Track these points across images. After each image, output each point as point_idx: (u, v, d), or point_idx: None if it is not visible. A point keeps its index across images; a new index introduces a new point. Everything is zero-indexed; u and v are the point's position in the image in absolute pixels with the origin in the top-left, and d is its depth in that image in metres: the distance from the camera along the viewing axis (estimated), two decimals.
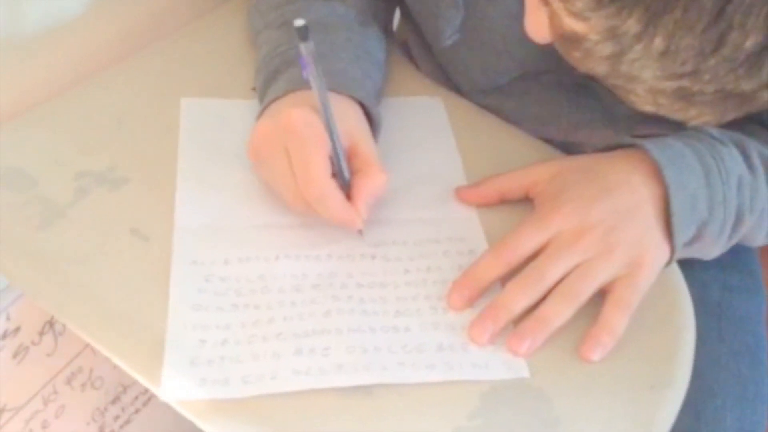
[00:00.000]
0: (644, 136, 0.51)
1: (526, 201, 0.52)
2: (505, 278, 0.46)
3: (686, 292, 0.49)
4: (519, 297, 0.45)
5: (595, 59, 0.33)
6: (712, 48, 0.30)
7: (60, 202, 0.49)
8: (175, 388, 0.41)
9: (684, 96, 0.33)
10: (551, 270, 0.46)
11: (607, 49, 0.32)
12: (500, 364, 0.44)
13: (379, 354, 0.43)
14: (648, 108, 0.35)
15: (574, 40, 0.33)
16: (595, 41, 0.32)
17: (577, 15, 0.32)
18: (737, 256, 0.61)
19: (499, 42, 0.57)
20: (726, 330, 0.61)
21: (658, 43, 0.31)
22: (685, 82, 0.32)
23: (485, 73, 0.60)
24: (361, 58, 0.54)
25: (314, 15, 0.55)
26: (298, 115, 0.45)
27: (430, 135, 0.58)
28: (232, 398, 0.40)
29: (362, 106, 0.51)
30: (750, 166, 0.51)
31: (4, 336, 0.66)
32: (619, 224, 0.47)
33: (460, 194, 0.53)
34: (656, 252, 0.48)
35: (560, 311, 0.45)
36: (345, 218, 0.46)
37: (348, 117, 0.48)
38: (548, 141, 0.59)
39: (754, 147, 0.52)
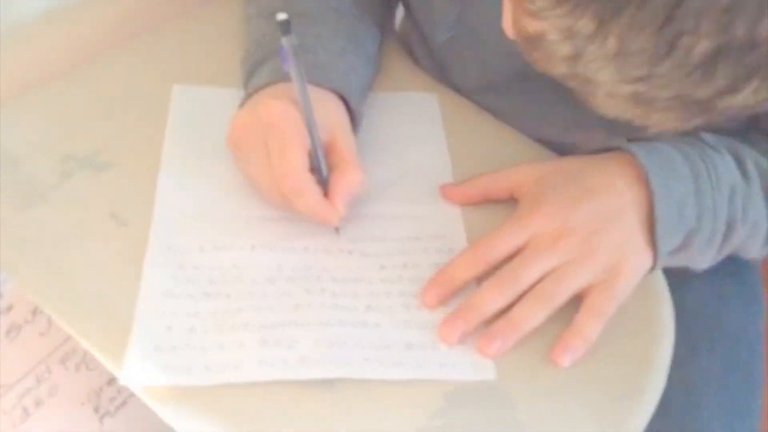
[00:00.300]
0: (641, 140, 0.50)
1: (511, 202, 0.51)
2: (482, 278, 0.46)
3: (668, 300, 0.48)
4: (492, 298, 0.45)
5: (554, 60, 0.33)
6: (664, 52, 0.29)
7: (43, 185, 0.49)
8: (137, 372, 0.41)
9: (642, 101, 0.32)
10: (526, 272, 0.45)
11: (564, 49, 0.32)
12: (467, 365, 0.43)
13: (346, 348, 0.43)
14: (611, 112, 0.34)
15: (534, 40, 0.33)
16: (552, 41, 0.32)
17: (535, 14, 0.32)
18: (735, 266, 0.59)
19: (494, 39, 0.56)
20: (719, 342, 0.60)
21: (611, 44, 0.30)
22: (640, 87, 0.31)
23: (480, 70, 0.59)
24: (348, 51, 0.53)
25: (304, 5, 0.54)
26: (277, 107, 0.45)
27: (421, 131, 0.57)
28: (194, 386, 0.41)
29: (344, 101, 0.51)
30: (745, 174, 0.50)
31: None
32: (600, 228, 0.46)
33: (445, 192, 0.52)
34: (637, 259, 0.47)
35: (533, 314, 0.44)
36: (321, 214, 0.46)
37: (328, 111, 0.48)
38: (544, 141, 0.58)
39: (750, 156, 0.51)
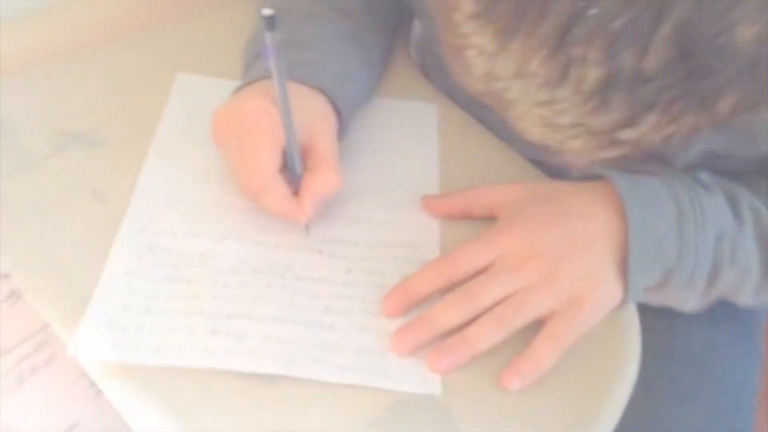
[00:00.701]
0: (637, 171, 0.49)
1: (492, 220, 0.50)
2: (447, 292, 0.45)
3: (635, 334, 0.46)
4: (449, 313, 0.44)
5: (472, 76, 0.32)
6: (559, 77, 0.29)
7: (35, 155, 0.51)
8: (85, 346, 0.42)
9: (549, 125, 0.32)
10: (487, 291, 0.44)
11: (479, 66, 0.31)
12: (414, 377, 0.43)
13: (294, 347, 0.43)
14: (530, 136, 0.34)
15: (456, 53, 0.33)
16: (469, 57, 0.31)
17: (455, 28, 0.31)
18: (732, 312, 0.57)
19: None
20: (705, 391, 0.57)
21: (511, 64, 0.30)
22: (544, 111, 0.31)
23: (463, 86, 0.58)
24: (346, 54, 0.54)
25: (309, 5, 0.55)
26: (255, 103, 0.45)
27: (415, 140, 0.57)
28: (136, 365, 0.41)
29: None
30: (737, 217, 0.48)
31: None
32: (568, 255, 0.45)
33: (426, 203, 0.52)
34: (603, 291, 0.45)
35: (487, 335, 0.43)
36: (286, 212, 0.46)
37: (312, 111, 0.48)
38: (536, 162, 0.57)
39: (746, 199, 0.49)
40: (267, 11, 0.44)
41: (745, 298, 0.50)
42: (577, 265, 0.45)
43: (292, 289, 0.46)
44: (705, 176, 0.49)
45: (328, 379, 0.42)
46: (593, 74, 0.28)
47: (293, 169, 0.47)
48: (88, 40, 0.59)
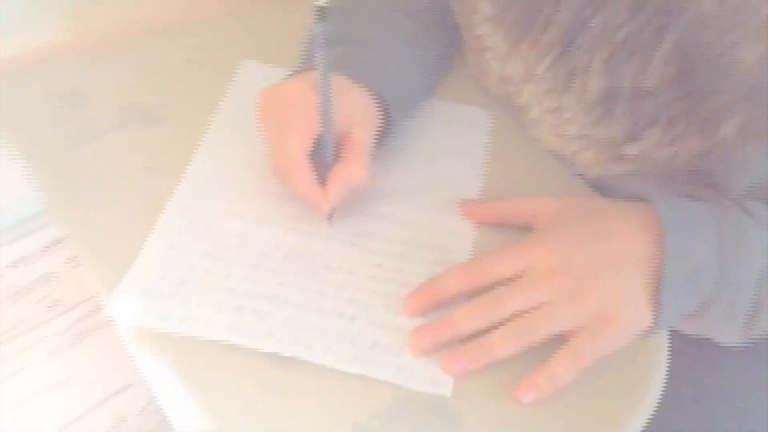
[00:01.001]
0: (688, 196, 0.48)
1: (528, 230, 0.50)
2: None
3: (662, 364, 0.45)
4: (470, 318, 0.44)
5: (489, 78, 0.32)
6: (563, 84, 0.28)
7: (98, 127, 0.54)
8: (120, 308, 0.44)
9: (559, 134, 0.31)
10: (512, 301, 0.44)
11: (494, 68, 0.31)
12: (426, 377, 0.43)
13: (313, 333, 0.44)
14: (546, 144, 0.33)
15: (477, 53, 0.33)
16: (487, 59, 0.32)
17: (476, 29, 0.32)
18: None
19: None
20: (738, 426, 0.55)
21: (520, 68, 0.29)
22: (553, 119, 0.30)
23: None
24: (403, 53, 0.54)
25: (369, 2, 0.55)
26: (295, 88, 0.47)
27: (463, 144, 0.57)
28: (163, 332, 0.43)
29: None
30: None
31: (58, 241, 0.73)
32: (599, 274, 0.44)
33: (464, 207, 0.52)
34: (632, 314, 0.44)
35: (506, 345, 0.43)
36: (309, 197, 0.47)
37: (354, 106, 0.49)
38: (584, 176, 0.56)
39: None
40: (320, 2, 0.45)
41: None
42: (607, 285, 0.44)
43: (320, 277, 0.47)
44: (758, 207, 0.47)
45: (340, 367, 0.43)
46: (596, 84, 0.28)
47: (324, 157, 0.48)
48: (164, 22, 0.62)
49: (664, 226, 0.44)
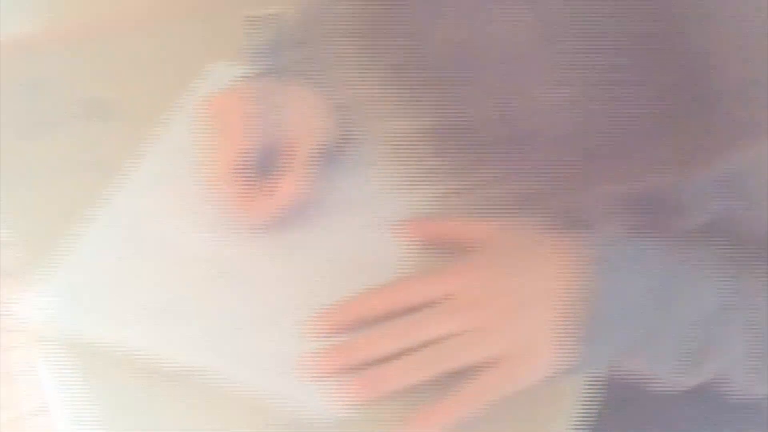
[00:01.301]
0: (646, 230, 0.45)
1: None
2: None
3: (573, 404, 0.43)
4: (380, 343, 0.43)
5: None
6: None
7: (53, 119, 0.54)
8: (36, 306, 0.45)
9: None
10: (424, 328, 0.43)
11: None
12: (326, 400, 0.42)
13: (225, 343, 0.44)
14: None
15: None
16: None
17: None
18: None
19: None
20: None
21: None
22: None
23: None
24: None
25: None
26: (225, 98, 0.46)
27: None
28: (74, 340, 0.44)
29: None
30: (741, 295, 0.43)
31: None
32: (519, 308, 0.43)
33: (400, 225, 0.50)
34: (550, 352, 0.42)
35: (412, 373, 0.42)
36: (237, 208, 0.47)
37: (299, 113, 0.47)
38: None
39: (760, 274, 0.43)
40: (251, 12, 0.44)
41: (739, 386, 0.45)
42: (526, 320, 0.42)
43: (241, 289, 0.47)
44: (718, 244, 0.44)
45: (243, 381, 0.43)
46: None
47: (263, 169, 0.47)
48: (137, 19, 0.62)
49: (596, 264, 0.42)
